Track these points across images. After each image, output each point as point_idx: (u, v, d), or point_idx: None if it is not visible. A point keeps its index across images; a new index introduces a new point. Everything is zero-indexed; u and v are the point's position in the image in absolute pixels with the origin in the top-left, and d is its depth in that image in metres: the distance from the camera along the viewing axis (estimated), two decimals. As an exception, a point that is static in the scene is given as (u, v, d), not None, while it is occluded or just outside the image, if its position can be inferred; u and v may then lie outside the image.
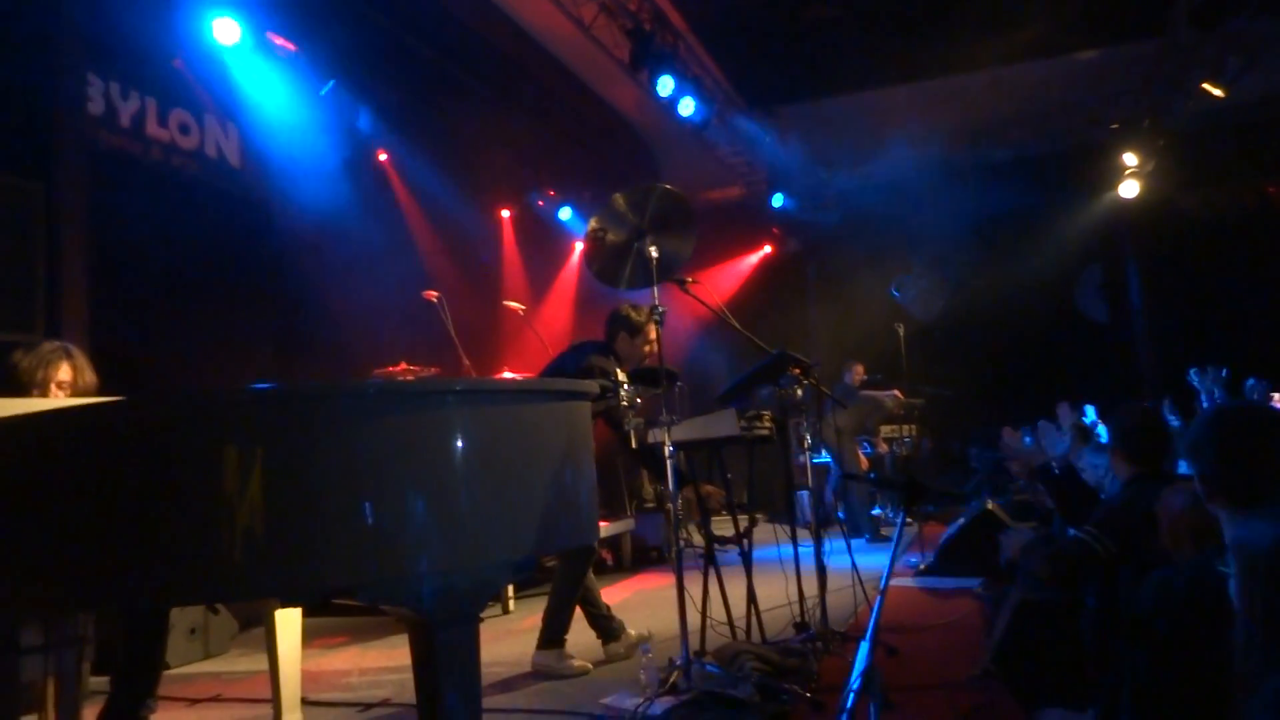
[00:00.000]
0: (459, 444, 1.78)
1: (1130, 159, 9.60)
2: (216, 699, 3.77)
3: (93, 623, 3.01)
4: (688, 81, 7.48)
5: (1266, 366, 8.51)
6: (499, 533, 1.80)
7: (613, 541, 6.80)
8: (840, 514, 7.64)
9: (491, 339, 7.85)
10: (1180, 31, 8.02)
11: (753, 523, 3.93)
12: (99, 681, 3.45)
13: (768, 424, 3.69)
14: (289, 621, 2.96)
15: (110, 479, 1.64)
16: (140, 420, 1.69)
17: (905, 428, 8.55)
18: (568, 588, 3.74)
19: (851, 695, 1.72)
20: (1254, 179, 9.96)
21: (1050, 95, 9.59)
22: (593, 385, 2.21)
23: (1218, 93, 8.08)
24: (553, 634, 3.71)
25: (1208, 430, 1.67)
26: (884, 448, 8.46)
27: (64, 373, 2.96)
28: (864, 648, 1.71)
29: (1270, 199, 10.00)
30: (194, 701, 3.73)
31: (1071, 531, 2.77)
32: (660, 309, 3.22)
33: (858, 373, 8.31)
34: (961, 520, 5.52)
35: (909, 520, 7.63)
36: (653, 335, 3.76)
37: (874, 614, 1.81)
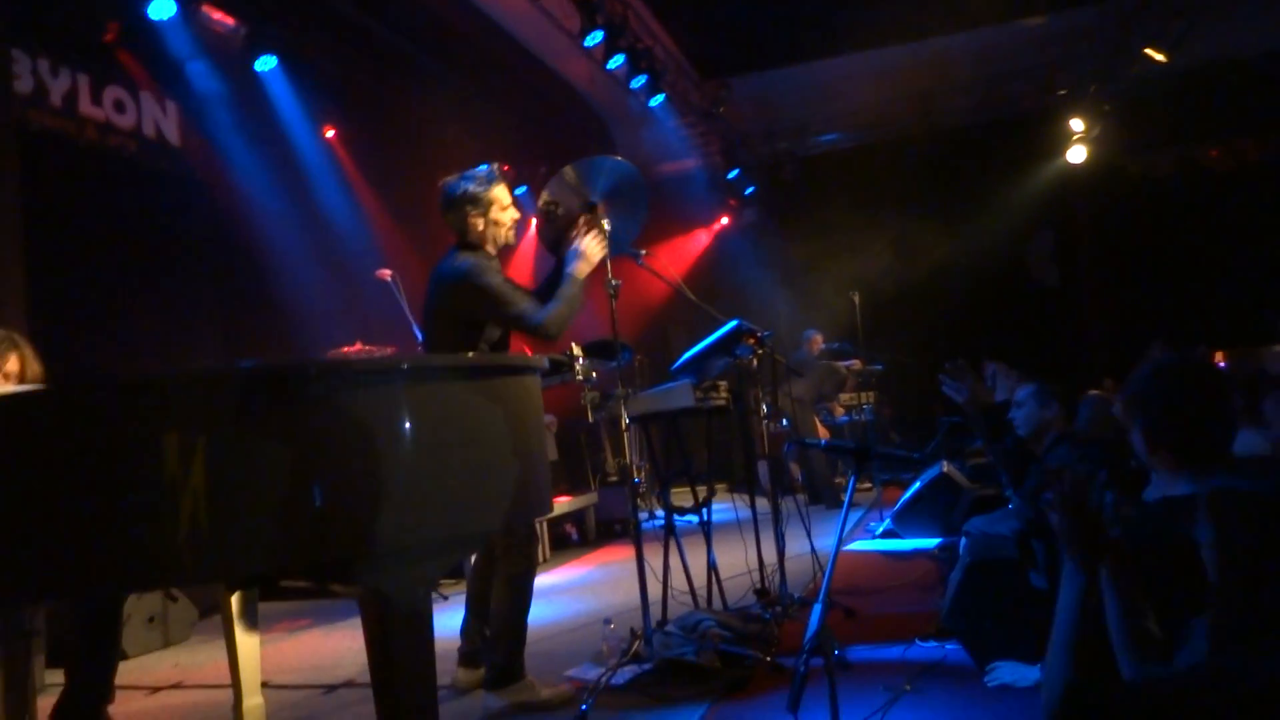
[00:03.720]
0: (405, 422, 1.77)
1: (1077, 124, 9.74)
2: (177, 686, 3.73)
3: (41, 615, 2.95)
4: (638, 53, 7.42)
5: (1211, 328, 8.75)
6: (448, 510, 1.80)
7: (576, 516, 6.82)
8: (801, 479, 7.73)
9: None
10: (1123, -4, 8.14)
11: (711, 493, 3.96)
12: (54, 675, 3.40)
13: (724, 395, 3.71)
14: (247, 606, 2.93)
15: (49, 468, 1.61)
16: (78, 407, 1.66)
17: (864, 395, 8.65)
18: (515, 607, 3.04)
19: (804, 656, 1.75)
20: (1197, 143, 10.18)
21: (998, 62, 9.68)
22: (540, 359, 2.20)
23: (1160, 57, 8.21)
24: (510, 665, 3.02)
25: (1153, 384, 1.65)
26: (840, 412, 8.56)
27: (11, 364, 2.89)
28: (816, 609, 1.74)
29: (1213, 162, 10.24)
30: (154, 690, 3.69)
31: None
32: (615, 282, 3.21)
33: (815, 343, 8.41)
34: (918, 484, 5.62)
35: (866, 484, 7.81)
36: (506, 200, 3.21)
37: (826, 576, 1.84)
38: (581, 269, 3.11)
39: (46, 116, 5.16)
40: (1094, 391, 4.69)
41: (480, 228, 3.16)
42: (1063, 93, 10.01)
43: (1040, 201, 10.33)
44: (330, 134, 7.34)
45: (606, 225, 3.23)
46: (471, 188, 3.15)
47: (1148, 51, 8.16)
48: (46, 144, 5.08)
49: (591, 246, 3.14)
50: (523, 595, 3.06)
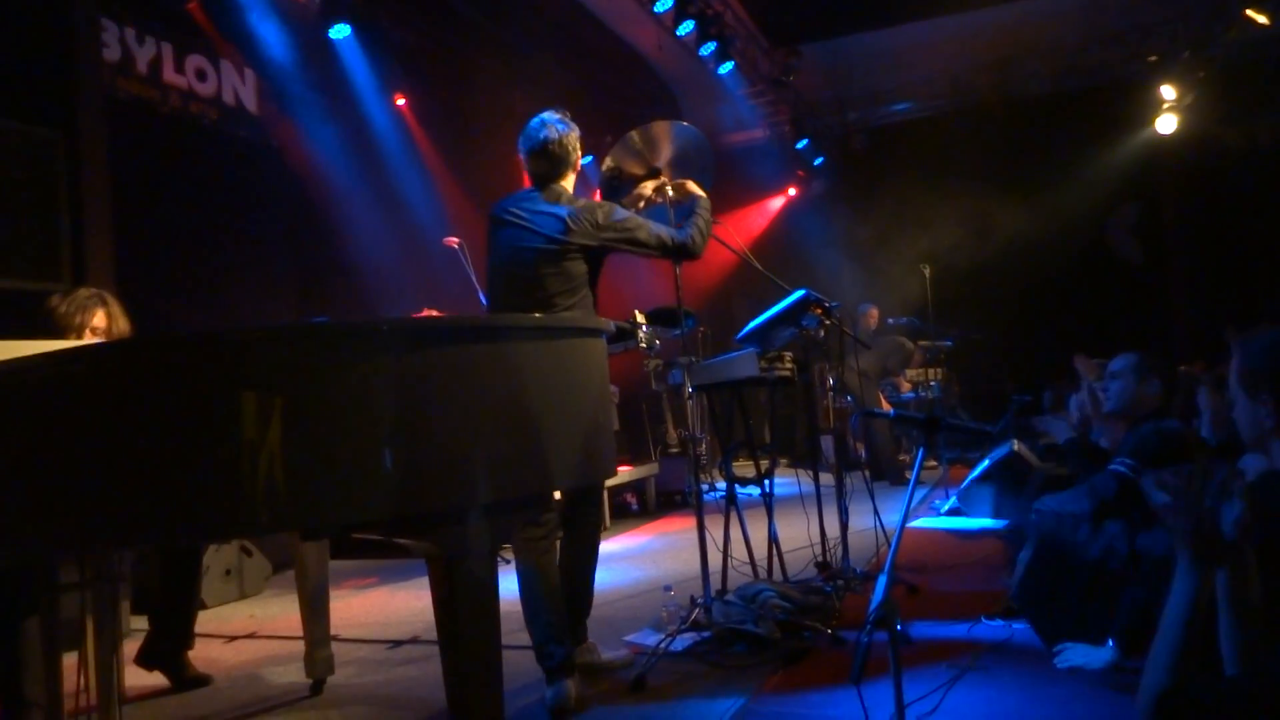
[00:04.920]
0: (474, 381, 1.79)
1: (1168, 92, 9.28)
2: (252, 636, 3.87)
3: (128, 561, 3.09)
4: (708, 19, 7.31)
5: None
6: (515, 468, 1.82)
7: (637, 485, 6.85)
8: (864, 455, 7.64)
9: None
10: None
11: (774, 464, 3.93)
12: (139, 621, 3.56)
13: (789, 366, 3.67)
14: (319, 561, 3.02)
15: (132, 420, 1.66)
16: (161, 362, 1.70)
17: (932, 371, 8.46)
18: (584, 570, 3.02)
19: (868, 629, 1.72)
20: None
21: (1083, 27, 9.28)
22: (608, 323, 2.20)
23: (1262, 19, 7.75)
24: (576, 628, 3.00)
25: (1272, 359, 1.54)
26: (908, 388, 8.40)
27: (99, 319, 3.01)
28: (881, 581, 1.71)
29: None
30: (231, 639, 3.84)
31: (1114, 466, 2.76)
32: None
33: (871, 317, 8.22)
34: (986, 461, 5.49)
35: (931, 462, 7.67)
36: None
37: (892, 548, 1.81)
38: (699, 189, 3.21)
39: (133, 84, 5.32)
40: (1183, 367, 4.50)
41: (573, 176, 3.08)
42: (1153, 59, 9.55)
43: (1124, 174, 9.91)
44: (401, 102, 7.42)
45: (671, 193, 3.21)
46: (576, 133, 3.05)
47: (1249, 13, 7.71)
48: (132, 111, 5.25)
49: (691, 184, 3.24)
50: (593, 558, 3.08)
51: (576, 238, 2.90)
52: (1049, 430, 3.06)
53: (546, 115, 3.02)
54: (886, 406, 7.99)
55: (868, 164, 10.68)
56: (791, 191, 11.30)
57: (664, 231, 3.01)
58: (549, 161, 2.99)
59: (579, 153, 3.07)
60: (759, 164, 10.43)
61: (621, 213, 3.00)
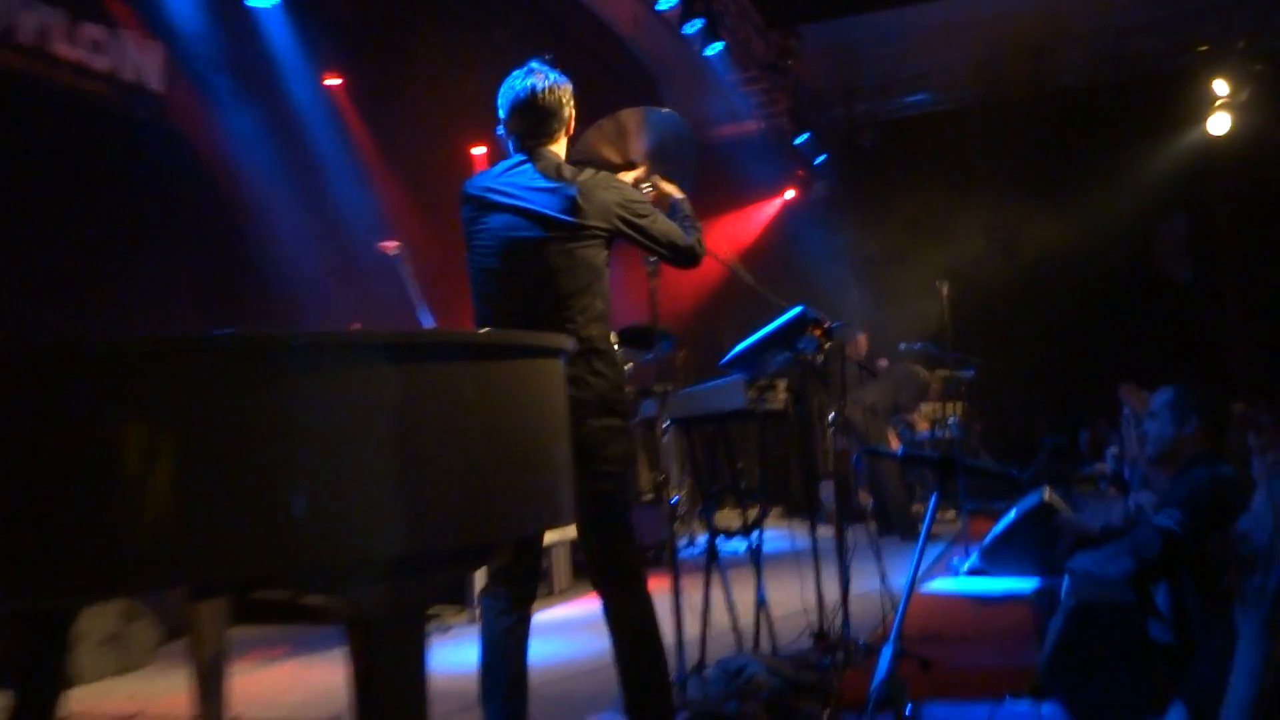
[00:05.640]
0: (404, 407, 1.76)
1: (1220, 87, 9.50)
2: (135, 718, 3.78)
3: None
4: (694, -7, 7.40)
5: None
6: (450, 514, 1.79)
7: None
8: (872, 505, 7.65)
9: (461, 297, 7.79)
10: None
11: (763, 515, 3.91)
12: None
13: (782, 396, 3.67)
14: (216, 626, 2.95)
15: (-12, 451, 1.61)
16: (21, 381, 1.65)
17: (950, 406, 8.52)
18: (652, 638, 2.78)
19: (871, 711, 1.70)
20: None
21: (1124, 11, 9.49)
22: (566, 340, 2.17)
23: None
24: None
25: None
26: (924, 426, 8.44)
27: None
28: (886, 654, 1.69)
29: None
30: (109, 720, 3.75)
31: (1159, 521, 2.77)
32: (654, 258, 3.16)
33: (860, 345, 8.24)
34: (1013, 513, 5.52)
35: (949, 513, 7.69)
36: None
37: (898, 614, 1.79)
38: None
39: (16, 56, 5.27)
40: (1239, 405, 4.57)
41: (565, 140, 2.95)
42: (1204, 49, 9.78)
43: (1171, 179, 10.11)
44: (333, 82, 7.42)
45: (648, 189, 3.20)
46: (570, 87, 2.91)
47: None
48: (13, 87, 5.19)
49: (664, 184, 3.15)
50: (646, 609, 2.80)
51: (590, 218, 2.78)
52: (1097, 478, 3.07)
53: (533, 63, 2.91)
54: (897, 444, 8.03)
55: (877, 163, 10.82)
56: (789, 194, 11.41)
57: (673, 228, 2.95)
58: (537, 117, 2.86)
59: (573, 109, 2.96)
60: (752, 161, 10.51)
61: (632, 190, 2.93)
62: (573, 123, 2.97)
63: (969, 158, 9.96)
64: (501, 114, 2.92)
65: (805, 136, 10.45)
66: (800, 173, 11.21)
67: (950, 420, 8.31)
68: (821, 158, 10.92)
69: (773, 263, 10.24)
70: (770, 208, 11.48)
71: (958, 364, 8.34)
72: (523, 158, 2.87)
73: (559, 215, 2.76)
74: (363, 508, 1.69)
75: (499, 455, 1.88)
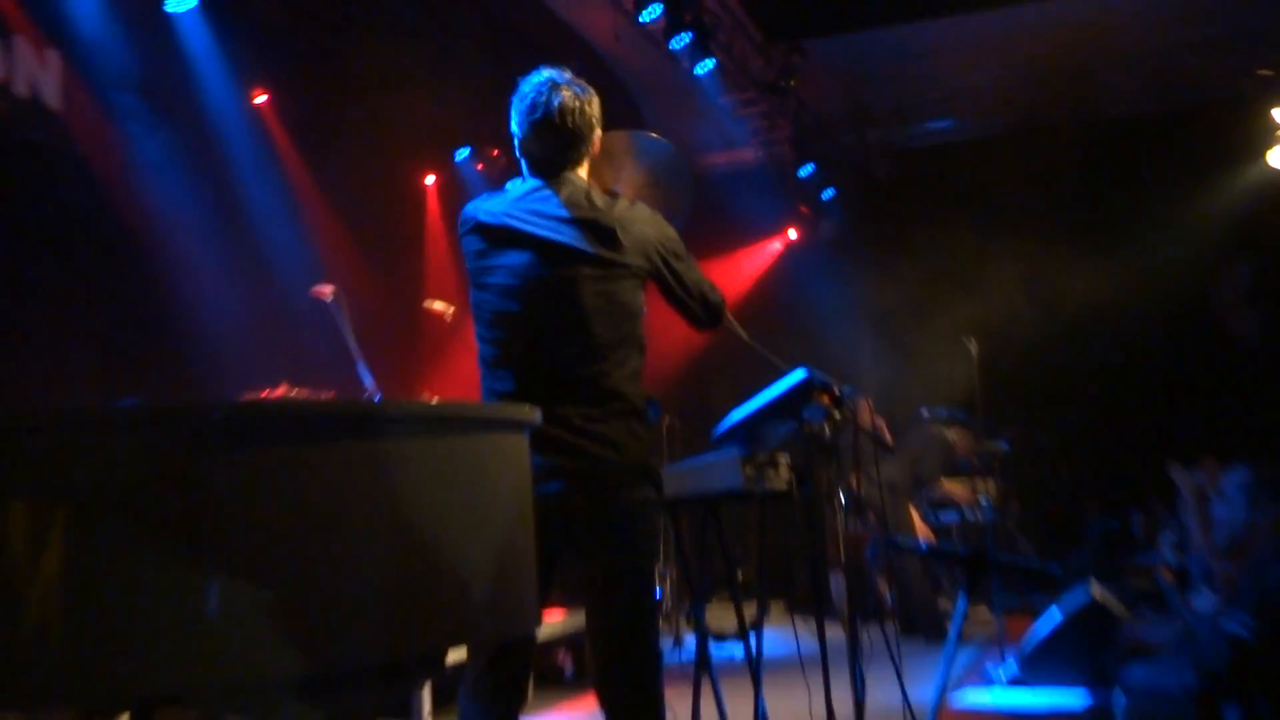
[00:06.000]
0: (346, 493, 1.77)
1: (1282, 117, 9.69)
2: None
3: None
4: (683, 2, 7.52)
5: None
6: (388, 620, 1.78)
7: (573, 641, 6.73)
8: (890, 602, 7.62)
9: (408, 351, 7.79)
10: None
11: (764, 612, 3.90)
12: None
13: (785, 474, 3.68)
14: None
15: None
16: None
17: (982, 484, 8.54)
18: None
19: None
20: None
21: (1176, 28, 9.67)
22: (531, 411, 2.18)
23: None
24: None
25: None
26: (956, 492, 8.39)
27: None
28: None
29: None
30: None
31: (1228, 626, 2.77)
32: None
33: (864, 411, 8.24)
34: (1058, 614, 5.51)
35: (980, 606, 7.64)
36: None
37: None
38: None
39: (-114, 67, 5.28)
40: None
41: (588, 165, 3.02)
42: (1266, 72, 9.98)
43: (1233, 221, 10.24)
44: (261, 99, 7.47)
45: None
46: (598, 103, 2.97)
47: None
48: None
49: None
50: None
51: (630, 254, 2.83)
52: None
53: (554, 73, 2.95)
54: (923, 530, 8.01)
55: (894, 200, 10.93)
56: (791, 234, 11.52)
57: (705, 279, 3.01)
58: (566, 141, 2.90)
59: (600, 131, 3.01)
60: (748, 196, 10.59)
61: (669, 227, 2.98)
62: (599, 143, 3.03)
63: (1001, 195, 10.05)
64: (516, 130, 2.96)
65: (810, 168, 10.58)
66: (804, 209, 11.31)
67: (982, 501, 8.33)
68: (829, 193, 11.04)
69: (772, 315, 10.28)
70: (769, 250, 11.56)
71: (990, 435, 8.38)
72: (541, 182, 2.91)
73: (595, 250, 2.80)
74: (289, 611, 1.68)
75: (447, 550, 1.88)
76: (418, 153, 8.95)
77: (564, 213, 2.83)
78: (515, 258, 2.83)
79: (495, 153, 9.49)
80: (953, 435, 8.16)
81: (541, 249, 2.81)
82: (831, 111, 10.88)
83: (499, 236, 2.86)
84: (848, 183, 11.08)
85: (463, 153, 9.15)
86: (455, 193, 9.25)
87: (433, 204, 9.21)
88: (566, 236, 2.80)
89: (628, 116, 10.12)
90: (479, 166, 9.41)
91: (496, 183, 9.42)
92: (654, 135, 3.44)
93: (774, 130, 10.56)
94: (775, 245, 11.57)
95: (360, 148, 7.96)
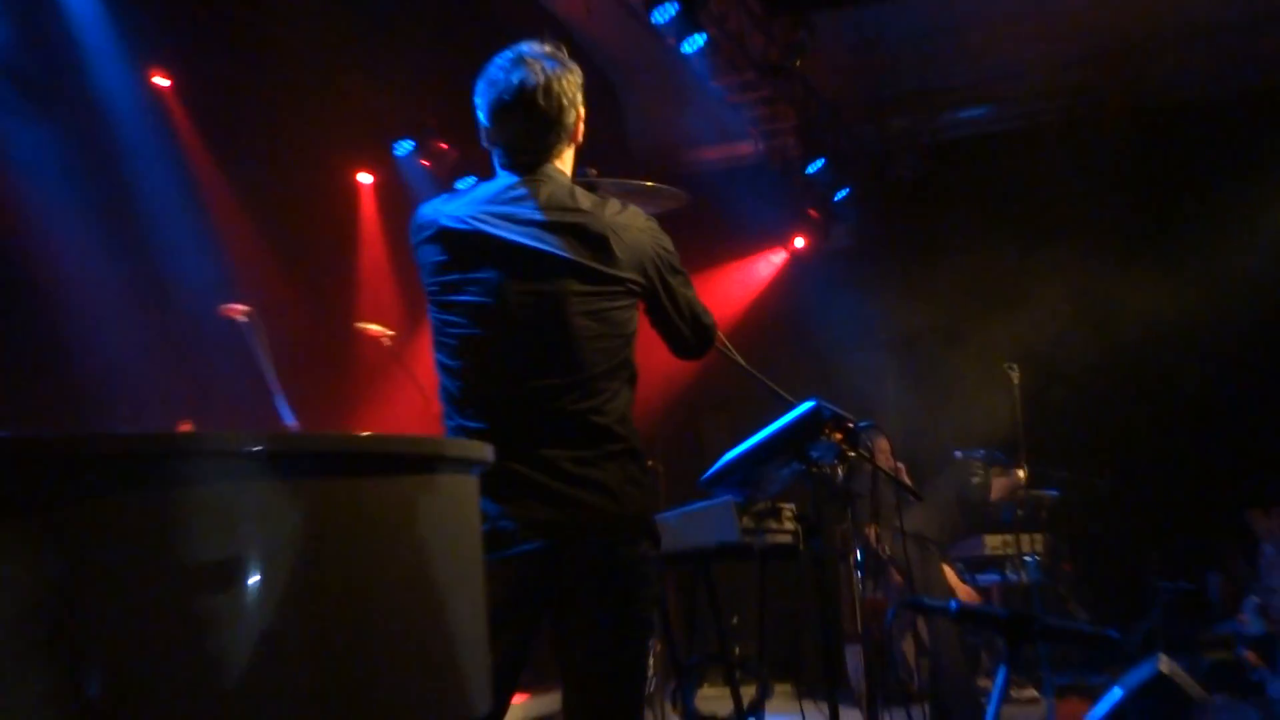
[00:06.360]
0: (252, 550, 1.75)
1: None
2: None
3: None
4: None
5: None
6: (311, 699, 1.76)
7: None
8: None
9: (338, 382, 7.77)
10: None
11: (765, 694, 3.89)
12: None
13: (789, 526, 3.67)
14: None
15: None
16: None
17: (1027, 538, 8.53)
18: None
19: None
20: None
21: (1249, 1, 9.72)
22: (479, 447, 2.16)
23: None
24: None
25: None
26: (1004, 551, 8.35)
27: None
28: None
29: None
30: None
31: None
32: None
33: (882, 450, 8.21)
34: (1119, 691, 5.51)
35: (1028, 688, 7.60)
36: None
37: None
38: None
39: None
40: None
41: (572, 152, 3.05)
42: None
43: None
44: (162, 83, 7.46)
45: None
46: (578, 78, 2.98)
47: None
48: None
49: None
50: None
51: (625, 267, 2.84)
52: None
53: (525, 46, 2.94)
54: (964, 592, 7.98)
55: (922, 202, 10.95)
56: (798, 242, 11.51)
57: (697, 299, 3.04)
58: (534, 123, 2.90)
59: (583, 112, 3.01)
60: (746, 198, 10.57)
61: (664, 235, 3.00)
62: (582, 129, 3.03)
63: (1046, 195, 10.07)
64: (481, 117, 2.95)
65: (820, 163, 10.58)
66: (813, 213, 11.30)
67: (1027, 559, 8.31)
68: (843, 193, 11.04)
69: (774, 339, 10.26)
70: (771, 262, 11.56)
71: (1037, 480, 8.37)
72: (515, 179, 2.90)
73: (585, 261, 2.79)
74: (177, 690, 1.66)
75: (389, 613, 1.87)
76: (350, 146, 8.95)
77: (545, 216, 2.81)
78: (489, 271, 2.81)
79: (444, 146, 9.50)
80: (992, 480, 8.15)
81: (521, 260, 2.79)
82: (845, 97, 10.90)
83: (468, 245, 2.84)
84: (865, 181, 11.09)
85: (405, 146, 9.13)
86: (395, 194, 9.26)
87: (368, 207, 9.20)
88: (550, 244, 2.79)
89: (604, 106, 10.14)
90: (424, 163, 9.41)
91: (445, 182, 9.44)
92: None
93: (776, 119, 10.56)
94: (778, 257, 11.56)
95: (281, 140, 7.95)
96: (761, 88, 10.00)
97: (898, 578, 7.34)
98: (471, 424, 2.81)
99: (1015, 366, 7.52)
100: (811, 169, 10.57)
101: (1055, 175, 10.05)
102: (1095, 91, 10.44)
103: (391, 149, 9.16)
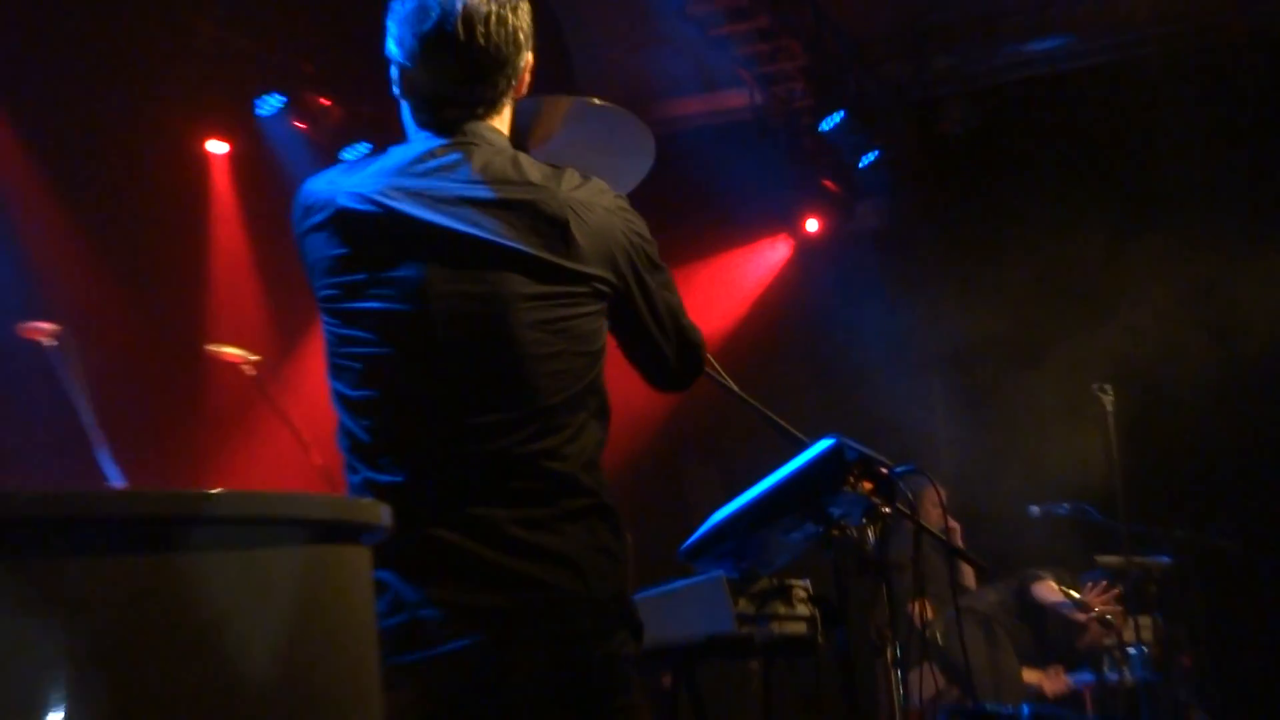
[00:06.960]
0: (113, 634, 1.72)
1: None
2: None
3: None
4: None
5: None
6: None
7: None
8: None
9: (181, 422, 7.76)
10: None
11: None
12: None
13: (804, 610, 3.66)
14: None
15: None
16: None
17: (1133, 623, 8.54)
18: None
19: None
20: None
21: None
22: (377, 509, 2.11)
23: None
24: None
25: None
26: (1100, 638, 8.36)
27: None
28: None
29: None
30: None
31: None
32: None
33: (930, 502, 8.21)
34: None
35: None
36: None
37: None
38: None
39: None
40: None
41: (510, 109, 3.13)
42: None
43: None
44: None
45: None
46: (527, 12, 3.05)
47: None
48: None
49: None
50: None
51: (589, 260, 2.86)
52: None
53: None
54: (1050, 686, 7.98)
55: (975, 167, 11.02)
56: (810, 225, 11.53)
57: (682, 307, 3.12)
58: (472, 66, 2.92)
59: (531, 58, 3.07)
60: (739, 166, 10.63)
61: (639, 217, 3.08)
62: (528, 78, 3.08)
63: (1146, 157, 10.15)
64: (395, 51, 2.95)
65: (838, 118, 10.58)
66: (830, 185, 11.32)
67: (1132, 651, 8.32)
68: (870, 157, 11.05)
69: (780, 356, 10.32)
70: (774, 251, 11.61)
71: (1141, 543, 8.38)
72: (439, 142, 2.92)
73: (536, 252, 2.80)
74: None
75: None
76: (197, 105, 8.91)
77: (482, 191, 2.82)
78: (406, 268, 2.81)
79: (325, 102, 9.48)
80: (1070, 612, 8.18)
81: (449, 251, 2.80)
82: (872, 28, 10.96)
83: (377, 232, 2.84)
84: (900, 141, 11.14)
85: (272, 103, 9.09)
86: (258, 167, 9.24)
87: (221, 184, 9.14)
88: (488, 230, 2.79)
89: (544, 45, 10.12)
90: (298, 124, 9.37)
91: (327, 150, 9.45)
92: (607, 104, 3.51)
93: (779, 59, 10.59)
94: (782, 245, 11.60)
95: (104, 99, 7.93)
96: (758, 15, 10.02)
97: (949, 678, 7.33)
98: (383, 477, 2.78)
99: (1109, 389, 7.55)
100: (826, 125, 10.58)
101: (1157, 130, 10.11)
102: (1201, 21, 10.51)
103: (253, 107, 9.12)
